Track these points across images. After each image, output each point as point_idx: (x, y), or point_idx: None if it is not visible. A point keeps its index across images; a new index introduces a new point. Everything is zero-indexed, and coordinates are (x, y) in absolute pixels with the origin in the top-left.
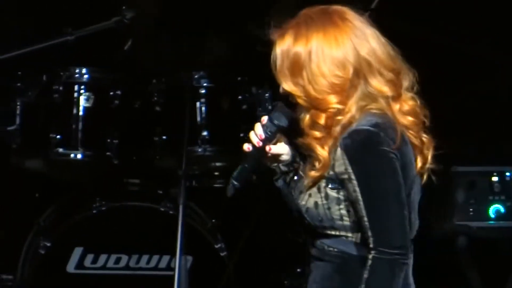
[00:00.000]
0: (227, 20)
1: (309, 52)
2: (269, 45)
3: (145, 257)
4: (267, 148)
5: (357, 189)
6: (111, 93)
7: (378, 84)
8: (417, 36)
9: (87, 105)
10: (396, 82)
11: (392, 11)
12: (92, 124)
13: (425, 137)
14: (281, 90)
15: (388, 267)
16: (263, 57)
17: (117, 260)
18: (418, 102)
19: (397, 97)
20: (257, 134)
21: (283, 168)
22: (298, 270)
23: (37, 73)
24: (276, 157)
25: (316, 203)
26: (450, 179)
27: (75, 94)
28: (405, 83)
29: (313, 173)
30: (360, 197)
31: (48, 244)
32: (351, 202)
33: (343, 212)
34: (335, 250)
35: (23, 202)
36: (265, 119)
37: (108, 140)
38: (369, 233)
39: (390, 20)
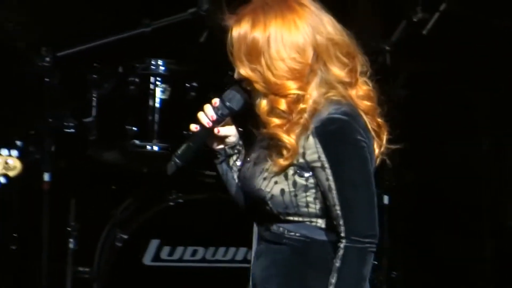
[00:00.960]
0: None
1: (267, 38)
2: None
3: (221, 250)
4: (215, 130)
5: (331, 177)
6: (187, 85)
7: (337, 70)
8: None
9: (163, 97)
10: (352, 67)
11: None
12: (168, 116)
13: (380, 121)
14: (236, 75)
15: (361, 255)
16: None
17: (194, 253)
18: (371, 86)
19: (354, 83)
20: (207, 115)
21: (228, 151)
22: (375, 263)
23: (113, 65)
24: (223, 138)
25: (282, 190)
26: None
27: (151, 86)
28: (359, 68)
29: (281, 161)
30: (333, 186)
31: (125, 237)
32: (321, 190)
33: (310, 199)
34: (297, 234)
35: (99, 194)
36: (217, 101)
37: (184, 132)
38: (341, 222)
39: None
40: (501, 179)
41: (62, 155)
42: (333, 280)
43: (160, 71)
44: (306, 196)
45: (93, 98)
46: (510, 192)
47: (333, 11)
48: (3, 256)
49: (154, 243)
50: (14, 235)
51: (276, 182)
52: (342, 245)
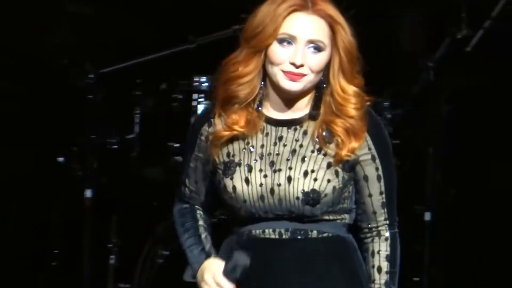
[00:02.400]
0: None
1: None
2: None
3: None
4: None
5: (380, 167)
6: None
7: None
8: None
9: None
10: None
11: None
12: None
13: None
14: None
15: (399, 239)
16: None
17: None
18: None
19: None
20: None
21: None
22: (415, 279)
23: (156, 82)
24: None
25: (334, 188)
26: None
27: (194, 103)
28: None
29: (343, 155)
30: (382, 174)
31: (166, 253)
32: (362, 183)
33: (346, 194)
34: (329, 234)
35: (141, 210)
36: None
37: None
38: (383, 210)
39: None
40: None
41: (104, 171)
42: (385, 269)
43: (203, 88)
44: (345, 191)
45: (136, 115)
46: None
47: (378, 26)
48: (45, 272)
49: None
50: (56, 251)
51: (329, 181)
52: (387, 234)
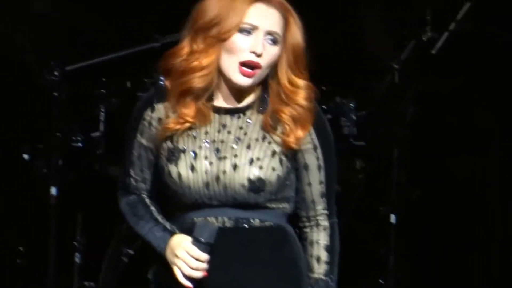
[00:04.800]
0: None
1: None
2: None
3: None
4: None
5: (321, 157)
6: None
7: None
8: None
9: None
10: None
11: None
12: None
13: None
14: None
15: (338, 230)
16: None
17: None
18: None
19: None
20: (199, 269)
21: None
22: (380, 281)
23: (121, 80)
24: None
25: (278, 177)
26: None
27: None
28: None
29: (292, 143)
30: (323, 165)
31: (131, 252)
32: (302, 171)
33: (288, 183)
34: (271, 223)
35: (106, 209)
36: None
37: None
38: (322, 200)
39: None
40: (509, 196)
41: (69, 169)
42: (324, 259)
43: None
44: (287, 180)
45: (101, 113)
46: None
47: (343, 28)
48: (9, 270)
49: None
50: (20, 248)
51: (273, 169)
52: (328, 223)
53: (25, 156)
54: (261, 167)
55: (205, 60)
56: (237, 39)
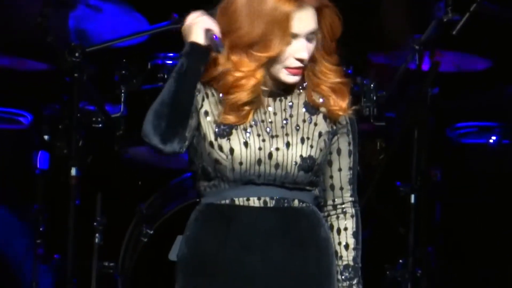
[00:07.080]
0: None
1: None
2: None
3: None
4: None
5: (352, 142)
6: None
7: None
8: None
9: None
10: None
11: None
12: None
13: None
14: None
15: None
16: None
17: None
18: None
19: None
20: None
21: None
22: (400, 261)
23: (142, 61)
24: None
25: (323, 157)
26: None
27: None
28: None
29: (336, 112)
30: (352, 150)
31: (150, 232)
32: (334, 155)
33: (322, 166)
34: (309, 204)
35: (126, 189)
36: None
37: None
38: (349, 187)
39: None
40: None
41: (90, 150)
42: (352, 246)
43: None
44: (324, 162)
45: (122, 94)
46: None
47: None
48: (30, 249)
49: (179, 239)
50: (41, 229)
51: (321, 150)
52: (353, 210)
53: (46, 137)
54: (312, 146)
55: (252, 80)
56: (283, 50)
